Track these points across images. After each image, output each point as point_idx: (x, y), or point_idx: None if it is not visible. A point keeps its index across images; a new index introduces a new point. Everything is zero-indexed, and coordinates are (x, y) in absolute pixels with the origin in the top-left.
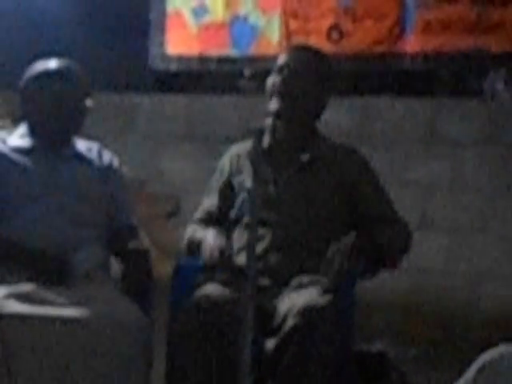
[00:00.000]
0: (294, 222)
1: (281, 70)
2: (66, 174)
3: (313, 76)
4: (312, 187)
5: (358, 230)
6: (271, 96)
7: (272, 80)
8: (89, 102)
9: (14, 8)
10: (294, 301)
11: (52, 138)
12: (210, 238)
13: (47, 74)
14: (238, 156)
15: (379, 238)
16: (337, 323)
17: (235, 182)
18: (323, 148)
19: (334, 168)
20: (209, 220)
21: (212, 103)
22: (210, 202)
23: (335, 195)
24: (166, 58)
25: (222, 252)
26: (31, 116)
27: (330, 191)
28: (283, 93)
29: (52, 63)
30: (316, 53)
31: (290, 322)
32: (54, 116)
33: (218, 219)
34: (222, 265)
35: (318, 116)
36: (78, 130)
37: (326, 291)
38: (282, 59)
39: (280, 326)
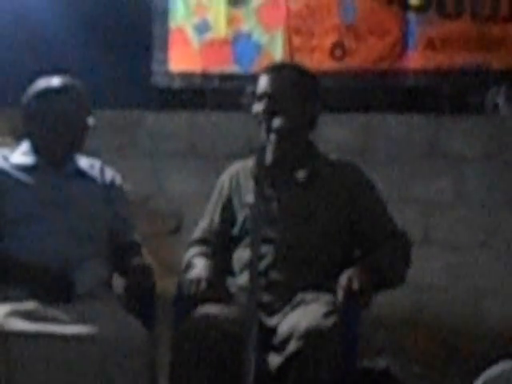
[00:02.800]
0: (297, 238)
1: (263, 95)
2: (69, 191)
3: (296, 93)
4: (313, 203)
5: (361, 251)
6: (261, 121)
7: (257, 106)
8: (91, 120)
9: (16, 25)
10: (297, 321)
11: (54, 155)
12: (198, 268)
13: (49, 91)
14: (238, 174)
15: (382, 263)
16: (340, 344)
17: (235, 200)
18: (322, 163)
19: (334, 183)
20: (207, 240)
21: (214, 120)
22: (209, 221)
23: (336, 210)
24: (168, 74)
25: (209, 283)
26: (33, 133)
27: (332, 207)
28: (277, 114)
29: (54, 81)
30: (294, 69)
31: (293, 344)
32: (56, 133)
33: (218, 238)
34: (208, 296)
35: (311, 128)
36: (79, 147)
37: (330, 312)
38: (262, 83)
39: (282, 345)
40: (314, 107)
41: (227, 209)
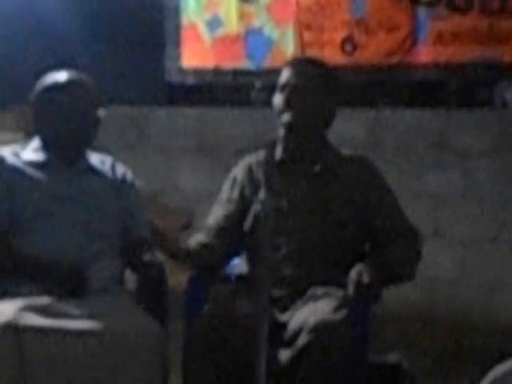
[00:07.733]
0: (308, 232)
1: (284, 86)
2: (80, 188)
3: (317, 88)
4: (325, 197)
5: (370, 247)
6: (280, 113)
7: (277, 98)
8: (101, 113)
9: (28, 22)
10: (307, 316)
11: (65, 151)
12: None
13: (57, 86)
14: (251, 167)
15: (392, 259)
16: (350, 338)
17: (247, 192)
18: (335, 158)
19: (346, 178)
20: (219, 229)
21: (226, 116)
22: (222, 212)
23: (349, 205)
24: (181, 71)
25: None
26: (43, 129)
27: (344, 201)
28: (291, 108)
29: (61, 76)
30: (318, 64)
31: (302, 339)
32: (65, 129)
33: (230, 229)
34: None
35: (327, 126)
36: (90, 142)
37: (339, 306)
38: (284, 75)
39: (293, 340)
40: (333, 104)
41: (241, 201)
